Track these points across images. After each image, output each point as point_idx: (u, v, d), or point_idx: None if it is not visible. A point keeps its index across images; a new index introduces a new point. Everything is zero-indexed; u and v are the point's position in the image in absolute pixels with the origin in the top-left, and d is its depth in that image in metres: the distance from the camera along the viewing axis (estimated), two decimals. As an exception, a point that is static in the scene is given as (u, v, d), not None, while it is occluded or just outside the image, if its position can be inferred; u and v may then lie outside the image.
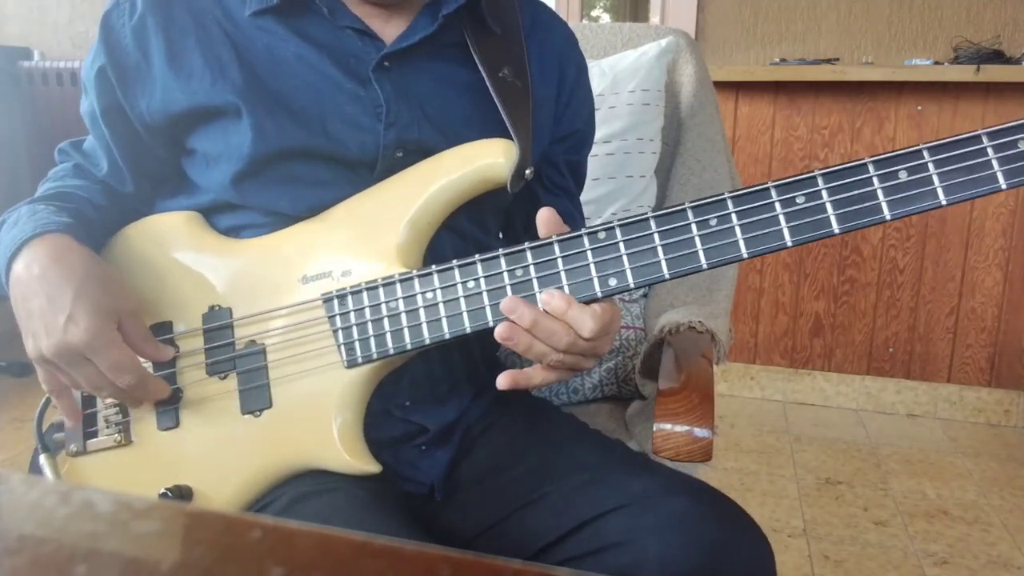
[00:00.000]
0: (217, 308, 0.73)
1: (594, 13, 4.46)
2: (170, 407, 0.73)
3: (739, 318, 2.50)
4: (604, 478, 0.69)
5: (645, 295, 1.19)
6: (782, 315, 2.48)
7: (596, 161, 1.20)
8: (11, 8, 2.83)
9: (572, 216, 0.89)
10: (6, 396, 2.40)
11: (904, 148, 0.59)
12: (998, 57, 2.14)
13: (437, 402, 0.78)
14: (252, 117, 0.70)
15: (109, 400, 0.74)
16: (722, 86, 2.32)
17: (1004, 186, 0.57)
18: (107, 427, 0.74)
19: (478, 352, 0.83)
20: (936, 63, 2.18)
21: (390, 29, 0.76)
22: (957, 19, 2.24)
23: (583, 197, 1.19)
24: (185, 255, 0.75)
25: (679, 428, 0.75)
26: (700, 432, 0.75)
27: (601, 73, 1.23)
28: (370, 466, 0.69)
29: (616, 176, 1.20)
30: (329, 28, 0.74)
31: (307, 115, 0.72)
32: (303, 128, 0.71)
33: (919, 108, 2.26)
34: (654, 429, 0.76)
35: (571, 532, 0.66)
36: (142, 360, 0.69)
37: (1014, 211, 2.26)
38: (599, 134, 1.21)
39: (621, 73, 1.22)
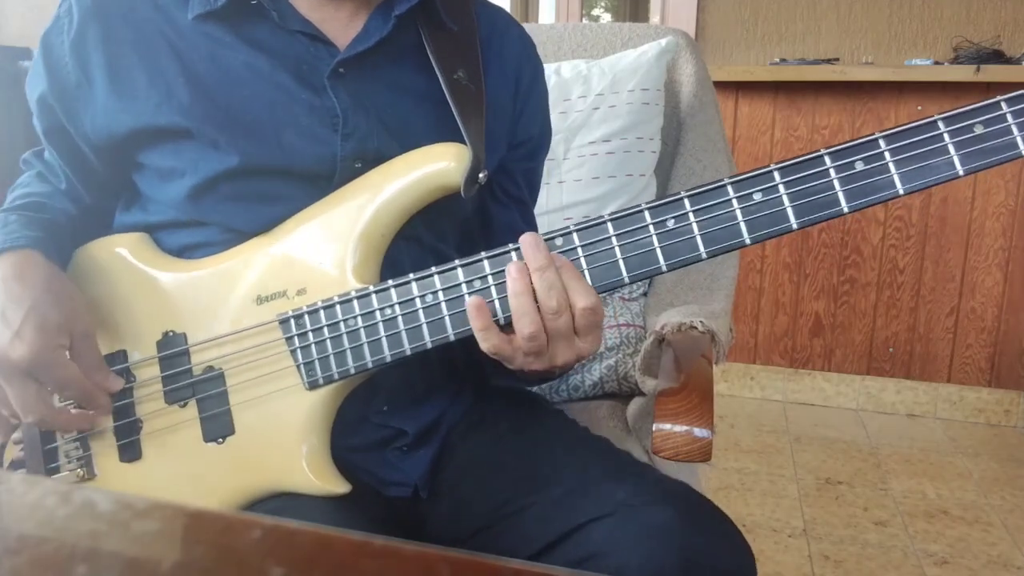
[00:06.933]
0: (171, 334, 0.70)
1: (594, 13, 4.46)
2: (131, 438, 0.70)
3: (739, 318, 2.50)
4: (587, 486, 0.68)
5: (645, 293, 1.19)
6: (782, 315, 2.48)
7: (596, 160, 1.20)
8: (11, 8, 2.83)
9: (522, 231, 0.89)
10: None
11: (861, 137, 0.58)
12: (998, 57, 2.14)
13: (416, 405, 0.77)
14: (203, 136, 0.68)
15: (68, 435, 0.72)
16: (722, 86, 2.32)
17: (961, 172, 0.56)
18: (68, 462, 0.72)
19: (456, 353, 0.80)
20: (936, 63, 2.18)
21: (342, 33, 0.72)
22: (957, 19, 2.24)
23: (582, 195, 1.20)
24: (134, 280, 0.72)
25: (679, 428, 0.76)
26: (700, 432, 0.75)
27: (601, 73, 1.23)
28: (339, 487, 0.67)
29: (616, 175, 1.20)
30: (279, 34, 0.70)
31: (261, 128, 0.69)
32: (257, 143, 0.68)
33: (919, 108, 2.26)
34: (653, 429, 0.76)
35: (555, 543, 0.66)
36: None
37: (1014, 211, 2.26)
38: (599, 133, 1.21)
39: (621, 72, 1.22)
